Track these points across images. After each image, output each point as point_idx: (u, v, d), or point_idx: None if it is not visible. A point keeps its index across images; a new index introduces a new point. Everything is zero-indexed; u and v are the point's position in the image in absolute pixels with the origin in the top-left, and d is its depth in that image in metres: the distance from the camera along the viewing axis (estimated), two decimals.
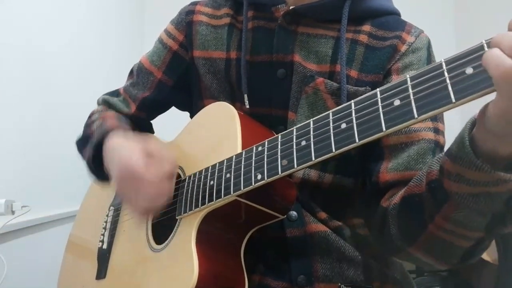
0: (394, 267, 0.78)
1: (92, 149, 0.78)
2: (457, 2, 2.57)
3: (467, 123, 0.48)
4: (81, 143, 0.87)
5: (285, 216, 0.69)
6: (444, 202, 0.53)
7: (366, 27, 0.76)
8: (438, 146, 0.70)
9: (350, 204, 0.78)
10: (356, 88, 0.72)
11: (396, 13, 0.80)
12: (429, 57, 0.76)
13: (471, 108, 0.43)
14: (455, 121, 0.76)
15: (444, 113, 0.52)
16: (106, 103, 0.94)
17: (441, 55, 0.77)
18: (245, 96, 0.76)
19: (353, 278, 0.71)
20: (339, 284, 0.70)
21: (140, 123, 0.93)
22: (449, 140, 0.72)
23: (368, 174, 0.72)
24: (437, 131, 0.70)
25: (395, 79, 0.73)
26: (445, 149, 0.71)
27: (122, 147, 0.71)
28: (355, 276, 0.71)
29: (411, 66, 0.73)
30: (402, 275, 0.79)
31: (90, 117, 0.92)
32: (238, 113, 0.70)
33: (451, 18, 2.56)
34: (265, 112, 0.76)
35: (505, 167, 0.46)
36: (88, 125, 0.89)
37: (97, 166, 0.78)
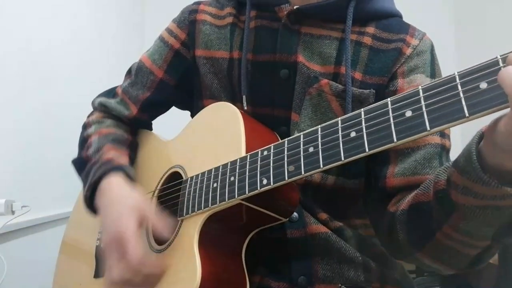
0: (394, 267, 0.79)
1: (89, 190, 0.76)
2: (457, 3, 2.57)
3: (474, 136, 0.47)
4: (78, 165, 0.85)
5: (288, 219, 0.69)
6: (452, 213, 0.53)
7: (370, 29, 0.75)
8: (444, 149, 0.70)
9: (352, 205, 0.78)
10: (361, 90, 0.72)
11: (399, 15, 0.80)
12: (433, 60, 0.76)
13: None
14: (454, 129, 0.76)
15: None
16: (102, 106, 0.91)
17: (441, 56, 0.78)
18: (244, 97, 0.75)
19: (353, 278, 0.72)
20: (340, 284, 0.71)
21: (141, 124, 0.93)
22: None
23: (374, 178, 0.72)
24: (443, 134, 0.70)
25: (400, 83, 0.73)
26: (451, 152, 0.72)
27: (119, 200, 0.69)
28: (356, 276, 0.72)
29: (417, 69, 0.73)
30: (402, 275, 0.79)
31: (85, 128, 0.90)
32: (242, 114, 0.69)
33: (451, 18, 2.56)
34: (267, 112, 0.76)
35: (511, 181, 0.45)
36: (83, 140, 0.87)
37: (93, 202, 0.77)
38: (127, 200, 0.69)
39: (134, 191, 0.71)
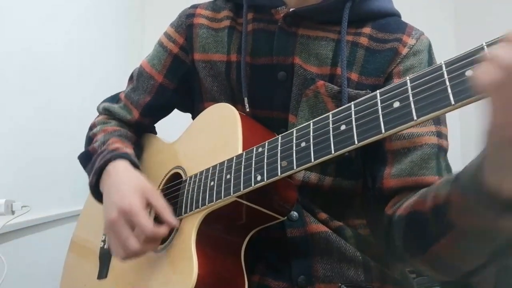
0: (394, 267, 0.78)
1: (95, 175, 0.77)
2: (457, 3, 2.57)
3: (479, 155, 0.45)
4: (84, 159, 0.87)
5: (286, 217, 0.69)
6: (450, 229, 0.51)
7: (367, 30, 0.75)
8: (441, 150, 0.69)
9: (351, 205, 0.78)
10: (357, 91, 0.72)
11: (397, 15, 0.79)
12: (430, 59, 0.75)
13: (471, 112, 0.42)
14: (455, 127, 0.76)
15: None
16: (106, 111, 0.93)
17: (441, 56, 0.78)
18: (245, 99, 0.76)
19: (353, 278, 0.71)
20: (339, 284, 0.70)
21: (144, 129, 0.93)
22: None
23: (372, 179, 0.72)
24: (440, 134, 0.70)
25: (396, 83, 0.73)
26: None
27: (124, 181, 0.71)
28: (356, 276, 0.71)
29: (413, 69, 0.73)
30: (402, 275, 0.79)
31: (91, 129, 0.91)
32: (240, 114, 0.70)
33: (451, 18, 2.56)
34: (266, 114, 0.76)
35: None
36: (89, 139, 0.88)
37: (98, 189, 0.78)
38: (132, 181, 0.71)
39: (139, 175, 0.73)
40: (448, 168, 0.69)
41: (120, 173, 0.73)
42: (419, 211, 0.59)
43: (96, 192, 0.79)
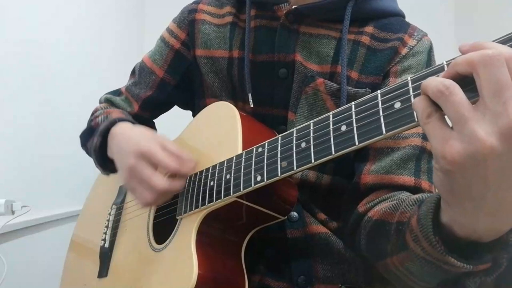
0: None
1: (100, 136, 0.77)
2: (457, 3, 2.57)
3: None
4: (85, 136, 0.87)
5: (286, 217, 0.69)
6: (402, 250, 0.51)
7: (369, 29, 0.75)
8: (425, 152, 0.69)
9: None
10: (356, 89, 0.72)
11: (400, 15, 0.79)
12: (429, 61, 0.75)
13: None
14: None
15: None
16: (108, 101, 0.94)
17: (441, 56, 0.77)
18: (249, 95, 0.76)
19: (353, 279, 0.71)
20: (340, 285, 0.70)
21: (143, 123, 0.93)
22: None
23: (354, 174, 0.72)
24: (426, 137, 0.69)
25: (392, 82, 0.73)
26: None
27: (134, 133, 0.70)
28: (356, 277, 0.72)
29: (410, 70, 0.73)
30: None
31: (93, 113, 0.92)
32: (240, 113, 0.70)
33: (451, 18, 2.56)
34: (267, 111, 0.76)
35: (459, 251, 0.43)
36: (92, 120, 0.89)
37: (104, 155, 0.78)
38: (143, 132, 0.70)
39: (147, 128, 0.72)
40: (430, 171, 0.68)
41: (128, 131, 0.72)
42: (386, 221, 0.59)
43: (100, 157, 0.78)
